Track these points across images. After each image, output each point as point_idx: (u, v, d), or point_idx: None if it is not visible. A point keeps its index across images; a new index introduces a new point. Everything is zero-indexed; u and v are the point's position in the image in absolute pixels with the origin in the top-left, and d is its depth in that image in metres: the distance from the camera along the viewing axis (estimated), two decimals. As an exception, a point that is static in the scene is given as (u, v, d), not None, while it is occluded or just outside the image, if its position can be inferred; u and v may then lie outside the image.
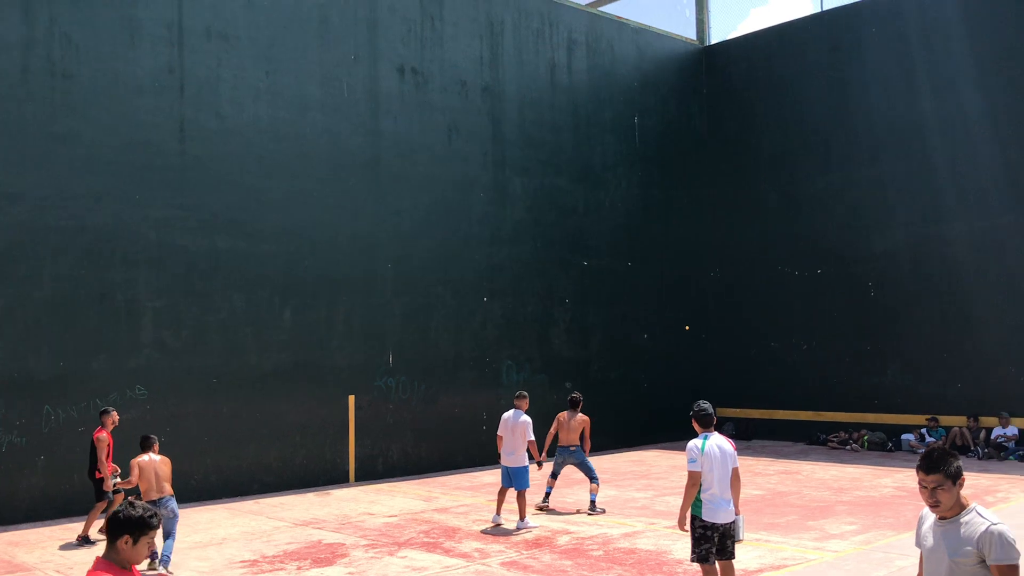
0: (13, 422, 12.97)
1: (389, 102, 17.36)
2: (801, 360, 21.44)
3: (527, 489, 12.17)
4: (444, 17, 18.33)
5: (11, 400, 12.96)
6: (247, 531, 12.19)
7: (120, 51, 14.25)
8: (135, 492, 11.40)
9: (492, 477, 16.67)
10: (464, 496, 14.82)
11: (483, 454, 17.83)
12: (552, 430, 13.79)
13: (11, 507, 12.85)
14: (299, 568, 10.09)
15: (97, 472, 11.70)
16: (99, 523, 11.52)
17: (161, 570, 10.01)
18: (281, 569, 10.07)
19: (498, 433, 12.50)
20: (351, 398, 16.47)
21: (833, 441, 20.18)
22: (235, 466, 14.84)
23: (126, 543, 3.93)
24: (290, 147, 15.97)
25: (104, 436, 11.76)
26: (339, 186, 16.55)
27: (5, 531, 12.40)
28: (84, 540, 11.51)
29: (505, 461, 12.23)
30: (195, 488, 14.49)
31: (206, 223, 14.94)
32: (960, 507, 4.46)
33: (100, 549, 11.15)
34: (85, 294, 13.72)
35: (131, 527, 3.93)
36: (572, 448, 13.34)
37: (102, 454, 11.67)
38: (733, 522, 7.55)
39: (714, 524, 7.44)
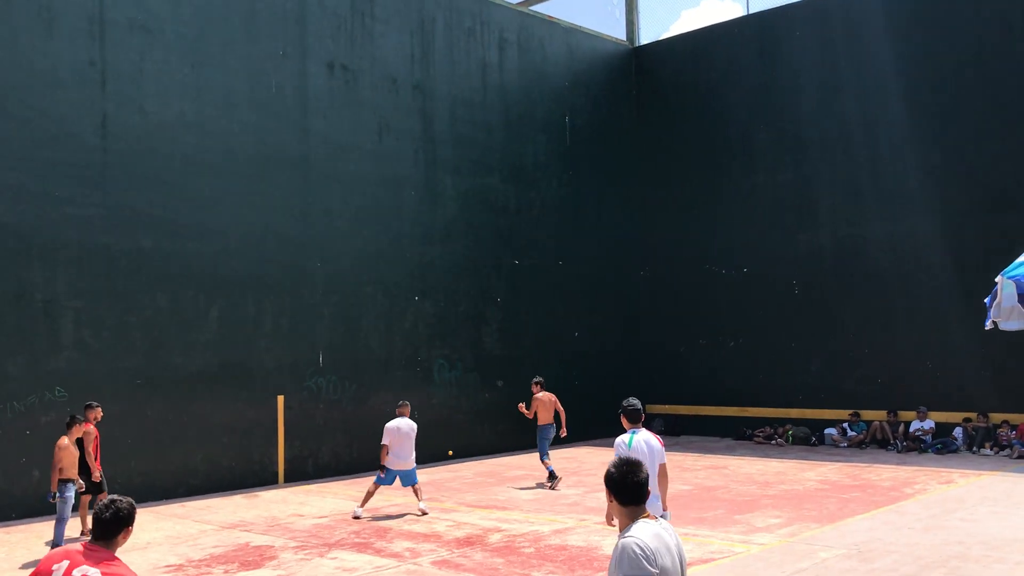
0: (-76, 426, 12.49)
1: (318, 99, 17.16)
2: (728, 357, 21.83)
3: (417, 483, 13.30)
4: (375, 14, 18.20)
5: (-78, 404, 12.48)
6: (172, 535, 11.95)
7: (37, 43, 13.82)
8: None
9: (422, 476, 16.61)
10: (396, 496, 14.73)
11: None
12: (533, 410, 15.44)
13: (-78, 515, 12.37)
14: (226, 572, 9.93)
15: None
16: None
17: None
18: (207, 573, 9.90)
19: (384, 443, 13.06)
20: (280, 399, 16.25)
21: (759, 436, 20.60)
22: (160, 469, 14.51)
23: (126, 535, 4.27)
24: (216, 144, 15.68)
25: (91, 429, 12.02)
26: (267, 184, 16.30)
27: (-84, 540, 11.94)
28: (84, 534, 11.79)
29: (399, 465, 13.08)
30: (118, 491, 14.07)
31: (128, 221, 14.58)
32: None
33: (169, 536, 10.85)
34: (1, 293, 13.28)
35: (133, 520, 4.32)
36: (551, 424, 15.39)
37: (90, 446, 11.94)
38: (660, 517, 7.63)
39: (642, 519, 7.51)
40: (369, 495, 13.10)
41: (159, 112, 15.03)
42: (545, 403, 15.45)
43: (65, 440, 11.32)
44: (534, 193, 21.13)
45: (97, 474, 12.04)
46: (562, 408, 15.46)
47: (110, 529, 4.19)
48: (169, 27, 15.21)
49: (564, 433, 15.57)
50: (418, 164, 18.76)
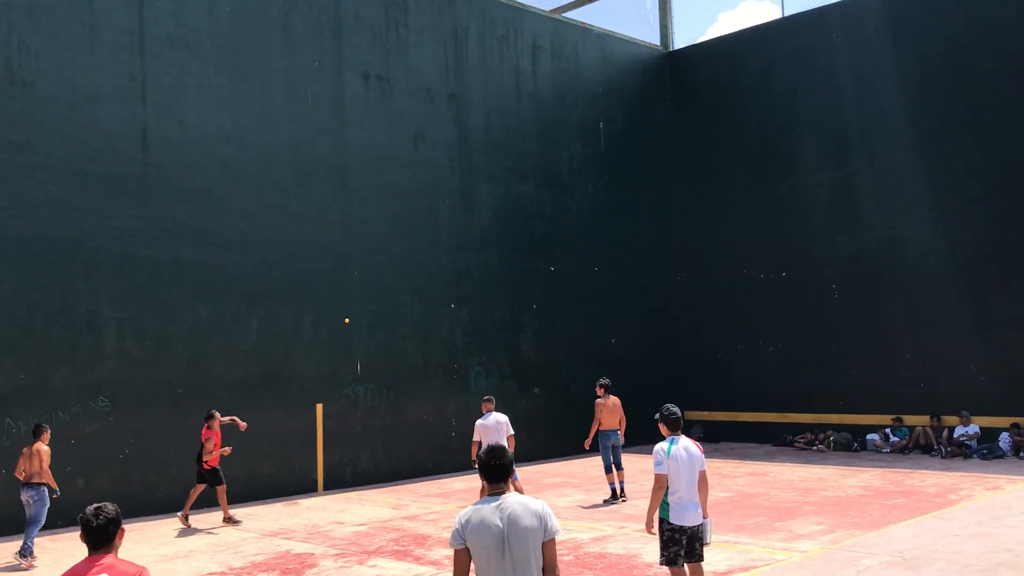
0: (-27, 436, 12.74)
1: (354, 109, 17.30)
2: (767, 362, 21.62)
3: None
4: (409, 24, 18.32)
5: (-29, 414, 12.74)
6: (214, 543, 12.07)
7: (80, 59, 14.09)
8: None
9: (462, 483, 16.65)
10: (434, 503, 14.77)
11: (453, 461, 17.79)
12: (596, 418, 14.71)
13: (-28, 523, 12.61)
14: (267, 579, 10.00)
15: (206, 463, 13.48)
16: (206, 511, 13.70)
17: (24, 563, 11.02)
18: (249, 580, 9.98)
19: (475, 439, 12.95)
20: (319, 407, 16.36)
21: (800, 442, 20.37)
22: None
23: (121, 535, 4.45)
24: (255, 155, 15.86)
25: (207, 434, 13.50)
26: (305, 194, 16.46)
27: (-34, 547, 12.18)
28: (232, 520, 13.38)
29: None
30: (161, 500, 14.32)
31: (169, 232, 14.79)
32: None
33: (211, 544, 11.02)
34: (46, 305, 13.53)
35: (122, 519, 4.50)
36: (616, 431, 14.66)
37: (210, 445, 13.39)
38: (701, 525, 7.59)
39: (682, 527, 7.47)
40: None
41: (198, 124, 15.24)
42: (608, 407, 14.68)
43: (42, 445, 11.70)
44: (569, 199, 21.11)
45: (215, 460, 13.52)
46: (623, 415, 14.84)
47: (107, 534, 4.33)
48: (207, 40, 15.42)
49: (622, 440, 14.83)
50: (453, 172, 18.83)
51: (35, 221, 13.50)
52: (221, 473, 13.60)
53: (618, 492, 14.47)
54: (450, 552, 11.01)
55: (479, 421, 13.04)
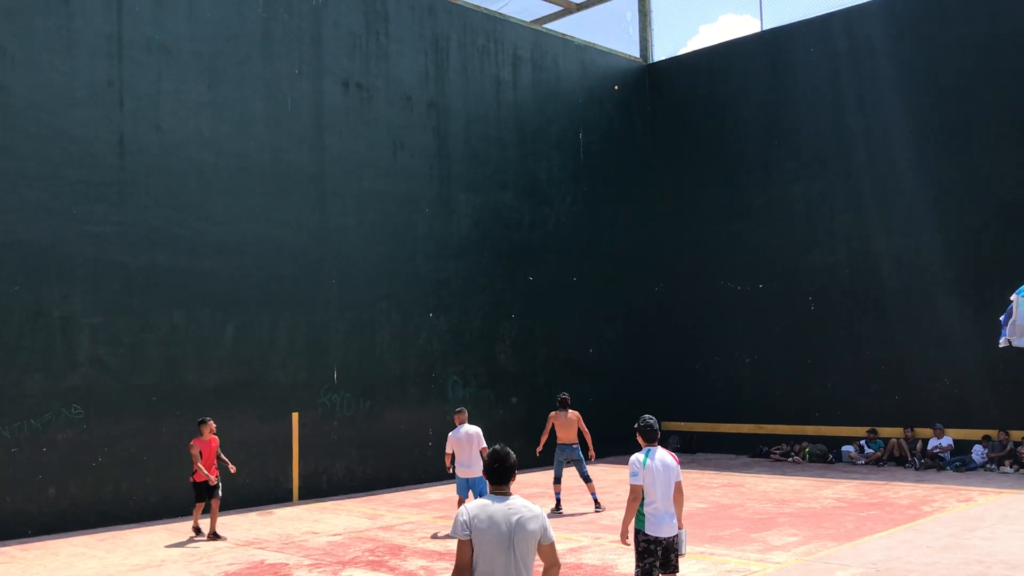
0: (-58, 443, 12.56)
1: (333, 117, 17.26)
2: (744, 374, 21.73)
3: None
4: (389, 32, 18.31)
5: (-60, 421, 12.56)
6: (187, 552, 11.96)
7: (57, 63, 13.97)
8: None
9: (438, 494, 16.59)
10: (410, 513, 14.71)
11: (429, 470, 17.73)
12: (547, 429, 14.85)
13: (-60, 531, 12.43)
14: (240, 589, 9.92)
15: (195, 476, 12.97)
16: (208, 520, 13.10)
17: None
18: (222, 591, 9.89)
19: (448, 451, 12.95)
20: (295, 415, 16.27)
21: (775, 453, 20.47)
22: (175, 486, 14.48)
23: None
24: (232, 162, 15.78)
25: (196, 444, 13.02)
26: (283, 201, 16.39)
27: (-67, 556, 11.99)
28: (216, 536, 12.82)
29: (466, 473, 12.81)
30: (134, 509, 14.18)
31: (145, 239, 14.67)
32: None
33: (183, 553, 10.88)
34: (19, 310, 13.37)
35: None
36: (573, 445, 14.55)
37: (196, 457, 12.91)
38: (676, 536, 7.60)
39: (657, 538, 7.48)
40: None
41: (176, 130, 15.15)
42: (563, 421, 14.70)
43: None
44: (548, 209, 21.15)
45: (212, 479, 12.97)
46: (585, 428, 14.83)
47: None
48: (186, 46, 15.34)
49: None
50: (432, 181, 18.82)
51: (9, 225, 13.35)
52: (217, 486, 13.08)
53: (594, 504, 14.53)
54: (426, 563, 10.98)
55: (451, 434, 13.00)
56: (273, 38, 16.48)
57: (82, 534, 13.34)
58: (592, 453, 14.91)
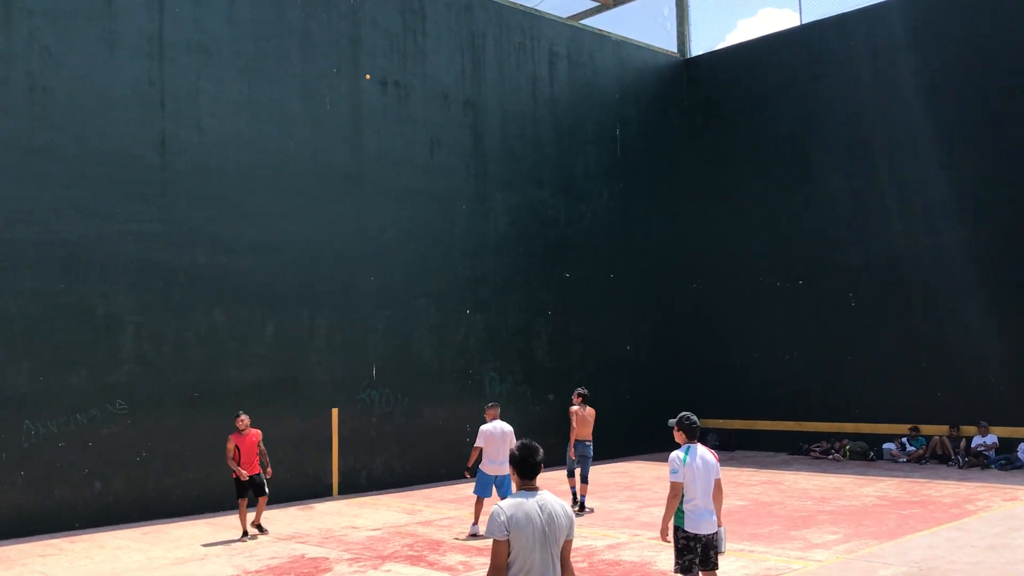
0: (-9, 438, 12.84)
1: (371, 115, 17.37)
2: (783, 370, 21.54)
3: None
4: (426, 31, 18.38)
5: (-11, 416, 12.85)
6: (229, 546, 12.11)
7: (99, 64, 14.20)
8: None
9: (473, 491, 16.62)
10: (448, 509, 14.78)
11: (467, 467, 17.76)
12: (573, 426, 14.35)
13: (-11, 524, 12.71)
14: (282, 583, 10.03)
15: (234, 473, 12.74)
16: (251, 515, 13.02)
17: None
18: (263, 584, 10.01)
19: (478, 444, 12.75)
20: (334, 411, 16.41)
21: (815, 451, 20.27)
22: (217, 481, 14.67)
23: None
24: (272, 161, 15.94)
25: (232, 439, 12.79)
26: (321, 200, 16.53)
27: (-17, 549, 12.27)
28: (258, 529, 12.91)
29: (493, 469, 12.55)
30: (176, 503, 14.39)
31: (186, 237, 14.87)
32: None
33: (226, 548, 11.10)
34: (64, 308, 13.62)
35: None
36: (587, 442, 14.29)
37: (230, 452, 12.71)
38: (716, 533, 7.56)
39: (696, 535, 7.45)
40: (478, 510, 12.68)
41: (216, 130, 15.33)
42: (583, 417, 14.39)
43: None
44: (584, 206, 21.11)
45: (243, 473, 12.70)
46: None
47: None
48: (226, 47, 15.52)
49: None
50: (469, 179, 18.87)
51: (54, 225, 13.60)
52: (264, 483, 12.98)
53: (580, 504, 14.13)
54: (464, 558, 11.02)
55: (484, 427, 12.83)
56: (312, 38, 16.62)
57: (127, 527, 13.57)
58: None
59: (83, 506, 13.56)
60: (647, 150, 22.62)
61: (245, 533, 12.66)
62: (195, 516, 14.42)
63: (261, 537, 12.70)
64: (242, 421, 12.84)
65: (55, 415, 13.39)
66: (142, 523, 13.90)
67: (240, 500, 12.71)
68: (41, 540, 12.75)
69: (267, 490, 12.96)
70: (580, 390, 14.74)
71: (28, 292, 13.33)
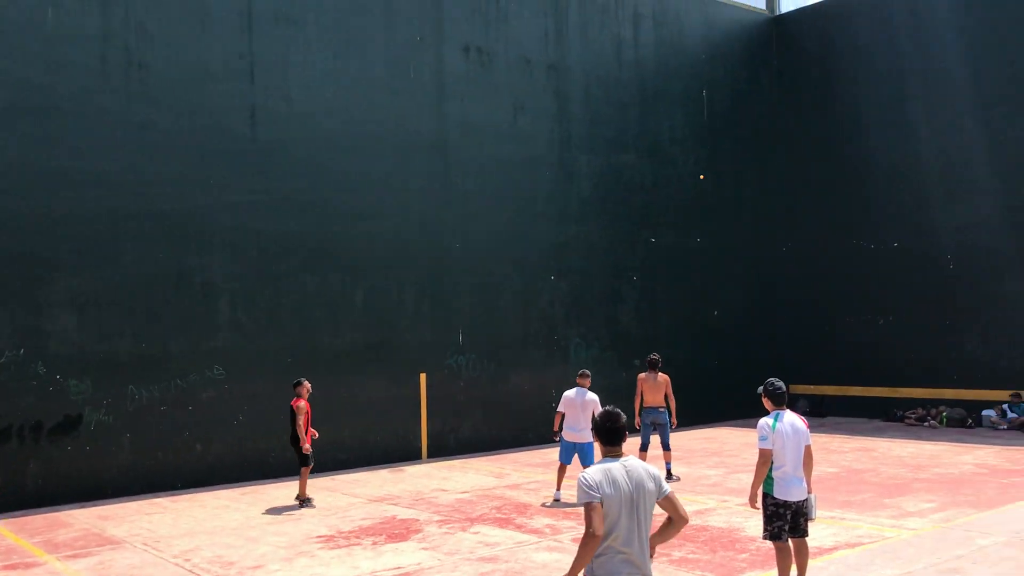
0: (101, 401, 13.46)
1: (455, 82, 17.41)
2: (877, 335, 21.00)
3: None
4: (508, -5, 18.28)
5: (99, 380, 13.45)
6: (323, 507, 12.47)
7: (192, 39, 14.56)
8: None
9: (555, 455, 16.72)
10: (535, 473, 14.92)
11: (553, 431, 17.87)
12: (638, 393, 14.10)
13: (100, 483, 13.35)
14: (374, 543, 10.31)
15: (301, 442, 12.54)
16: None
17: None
18: (357, 544, 10.30)
19: (560, 410, 12.59)
20: (422, 376, 16.67)
21: (910, 418, 19.78)
22: (312, 444, 15.08)
23: None
24: (358, 130, 16.15)
25: (302, 404, 12.57)
26: (407, 168, 16.69)
27: (95, 506, 12.90)
28: (304, 502, 12.48)
29: (573, 437, 12.35)
30: (272, 465, 14.86)
31: (278, 207, 15.22)
32: None
33: (320, 508, 11.61)
34: (163, 277, 14.13)
35: None
36: (660, 408, 13.92)
37: (301, 420, 12.50)
38: (806, 500, 7.48)
39: (786, 502, 7.38)
40: (560, 476, 12.57)
41: (304, 101, 15.59)
42: (651, 383, 14.04)
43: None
44: (670, 169, 20.83)
45: (307, 446, 12.52)
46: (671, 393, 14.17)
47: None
48: (312, 17, 15.72)
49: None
50: (553, 144, 18.79)
51: (152, 197, 14.07)
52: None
53: (667, 472, 13.80)
54: (552, 521, 11.13)
55: (567, 393, 12.61)
56: (395, 6, 16.70)
57: (226, 487, 14.10)
58: (674, 421, 14.09)
59: (185, 467, 14.13)
60: (735, 112, 22.15)
61: (307, 500, 12.53)
62: (290, 477, 14.85)
63: (350, 497, 13.03)
64: (306, 388, 12.75)
65: (157, 380, 13.94)
66: (240, 484, 14.41)
67: (305, 469, 12.54)
68: (146, 499, 13.35)
69: (312, 460, 12.72)
70: (651, 356, 14.38)
71: (130, 262, 13.85)
